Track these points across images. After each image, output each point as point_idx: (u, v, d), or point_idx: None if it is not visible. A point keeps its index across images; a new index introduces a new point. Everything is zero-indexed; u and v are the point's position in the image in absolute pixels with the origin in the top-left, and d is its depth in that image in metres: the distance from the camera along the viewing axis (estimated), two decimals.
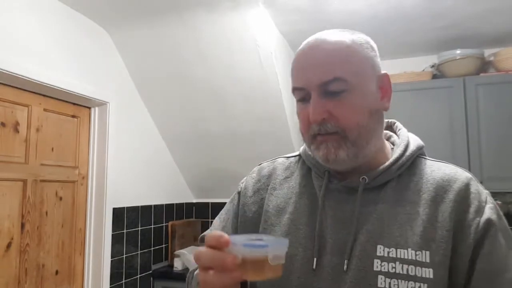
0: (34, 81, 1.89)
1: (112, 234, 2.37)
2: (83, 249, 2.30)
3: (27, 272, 1.93)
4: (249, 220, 0.82)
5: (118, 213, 2.43)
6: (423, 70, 2.78)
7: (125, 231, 2.51)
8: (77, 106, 2.30)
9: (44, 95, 2.08)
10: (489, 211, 0.69)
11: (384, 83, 0.73)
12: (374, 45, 0.74)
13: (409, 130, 0.83)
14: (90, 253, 2.30)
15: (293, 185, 0.81)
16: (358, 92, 0.69)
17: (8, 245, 1.85)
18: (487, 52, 2.68)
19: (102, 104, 2.37)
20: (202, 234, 0.90)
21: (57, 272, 2.12)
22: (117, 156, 2.43)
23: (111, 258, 2.35)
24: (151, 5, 2.13)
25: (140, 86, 2.68)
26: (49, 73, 1.98)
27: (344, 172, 0.74)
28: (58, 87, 2.02)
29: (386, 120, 0.82)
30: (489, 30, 2.52)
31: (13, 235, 1.87)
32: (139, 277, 2.64)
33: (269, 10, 2.21)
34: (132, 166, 2.60)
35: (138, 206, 2.65)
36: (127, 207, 2.53)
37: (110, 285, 2.34)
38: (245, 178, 0.90)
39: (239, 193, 0.88)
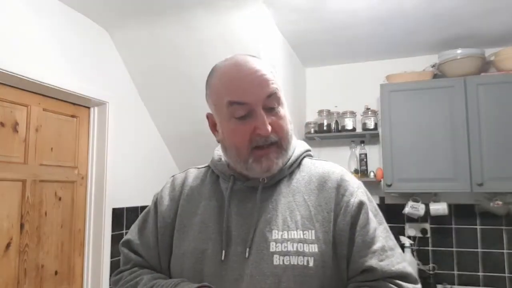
0: (33, 81, 1.88)
1: (112, 235, 2.36)
2: (83, 250, 2.29)
3: (26, 273, 1.93)
4: (169, 225, 0.92)
5: (117, 213, 2.43)
6: (424, 70, 2.77)
7: (124, 231, 2.50)
8: (76, 106, 2.29)
9: (43, 95, 2.07)
10: (361, 194, 0.85)
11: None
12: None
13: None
14: (90, 253, 2.30)
15: (203, 191, 0.93)
16: (284, 105, 0.85)
17: (7, 246, 1.84)
18: (488, 52, 2.67)
19: (101, 104, 2.36)
20: (124, 239, 0.98)
21: (56, 273, 2.11)
22: (117, 156, 2.42)
23: (111, 258, 2.34)
24: (151, 5, 2.12)
25: (139, 86, 2.68)
26: (49, 73, 1.97)
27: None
28: (58, 87, 2.01)
29: None
30: (490, 30, 2.51)
31: (12, 235, 1.87)
32: None
33: (269, 10, 2.20)
34: (131, 166, 2.59)
35: (138, 207, 2.64)
36: (126, 208, 2.53)
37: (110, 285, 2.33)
38: (159, 190, 1.00)
39: (155, 203, 0.97)
